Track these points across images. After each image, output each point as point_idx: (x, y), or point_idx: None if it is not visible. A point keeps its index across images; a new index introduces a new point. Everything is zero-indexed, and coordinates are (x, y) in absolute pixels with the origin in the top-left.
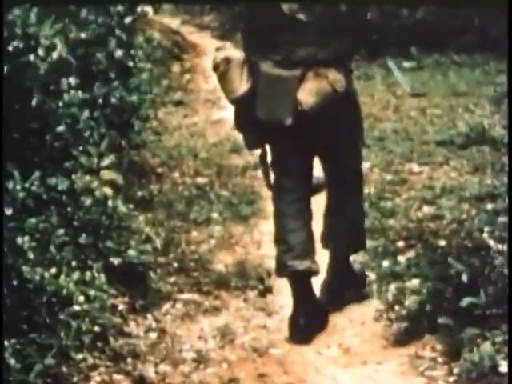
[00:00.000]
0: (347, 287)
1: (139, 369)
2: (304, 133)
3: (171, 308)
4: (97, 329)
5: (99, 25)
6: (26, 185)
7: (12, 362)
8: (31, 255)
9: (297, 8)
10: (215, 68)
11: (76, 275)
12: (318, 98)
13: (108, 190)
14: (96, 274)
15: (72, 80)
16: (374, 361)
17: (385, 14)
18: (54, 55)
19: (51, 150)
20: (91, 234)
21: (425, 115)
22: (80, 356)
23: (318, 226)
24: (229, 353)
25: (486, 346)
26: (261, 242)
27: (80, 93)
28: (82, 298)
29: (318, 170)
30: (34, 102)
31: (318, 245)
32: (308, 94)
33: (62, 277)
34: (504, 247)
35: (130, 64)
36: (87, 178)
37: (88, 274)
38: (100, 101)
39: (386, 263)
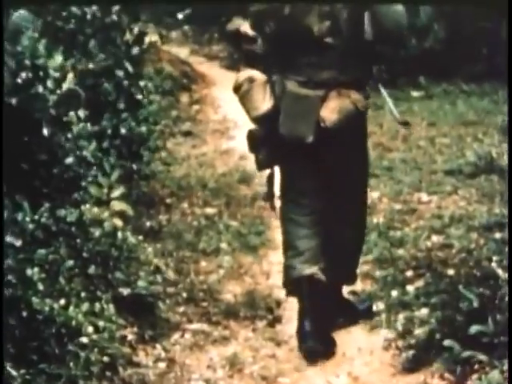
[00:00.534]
0: (337, 315)
1: None
2: (321, 151)
3: (180, 338)
4: (106, 359)
5: (107, 56)
6: (36, 216)
7: None
8: (41, 286)
9: (325, 31)
10: (237, 88)
11: (85, 306)
12: (341, 116)
13: (118, 221)
14: (105, 305)
15: (81, 111)
16: None
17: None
18: (64, 86)
19: (60, 182)
20: (100, 265)
21: (433, 145)
22: None
23: None
24: (238, 382)
25: (495, 374)
26: (270, 272)
27: (89, 124)
28: (91, 329)
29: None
30: (43, 134)
31: None
32: (331, 111)
33: (72, 308)
34: None
35: (139, 95)
36: (96, 209)
37: (97, 305)
38: (109, 131)
39: (394, 293)
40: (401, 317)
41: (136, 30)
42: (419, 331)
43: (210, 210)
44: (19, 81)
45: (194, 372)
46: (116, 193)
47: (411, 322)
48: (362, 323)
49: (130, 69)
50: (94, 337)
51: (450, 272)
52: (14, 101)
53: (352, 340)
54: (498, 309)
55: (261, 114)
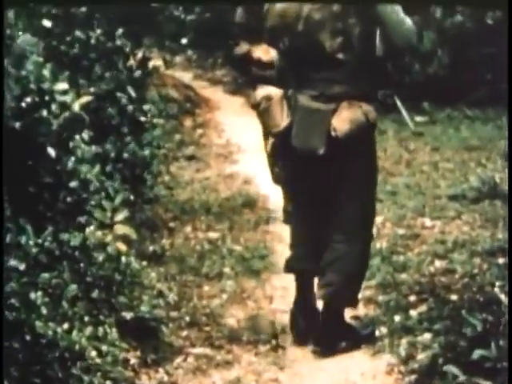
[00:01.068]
0: (339, 339)
1: None
2: (332, 162)
3: (183, 362)
4: (109, 383)
5: (111, 80)
6: (39, 240)
7: None
8: (44, 310)
9: (337, 47)
10: (255, 106)
11: (88, 330)
12: (353, 125)
13: (121, 246)
14: (108, 329)
15: (85, 135)
16: None
17: (397, 69)
18: (68, 111)
19: (64, 205)
20: (103, 290)
21: (437, 169)
22: None
23: None
24: None
25: None
26: (273, 296)
27: (93, 148)
28: (94, 353)
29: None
30: (48, 157)
31: None
32: (343, 121)
33: (75, 332)
34: None
35: (142, 119)
36: (100, 233)
37: (100, 329)
38: (113, 155)
39: (397, 317)
40: (404, 342)
41: (140, 54)
42: (422, 356)
43: (213, 234)
44: (23, 105)
45: None
46: (119, 216)
47: (414, 346)
48: (365, 348)
49: (133, 93)
50: (97, 361)
51: (453, 297)
52: (17, 125)
53: (355, 364)
54: (502, 334)
55: (281, 130)
